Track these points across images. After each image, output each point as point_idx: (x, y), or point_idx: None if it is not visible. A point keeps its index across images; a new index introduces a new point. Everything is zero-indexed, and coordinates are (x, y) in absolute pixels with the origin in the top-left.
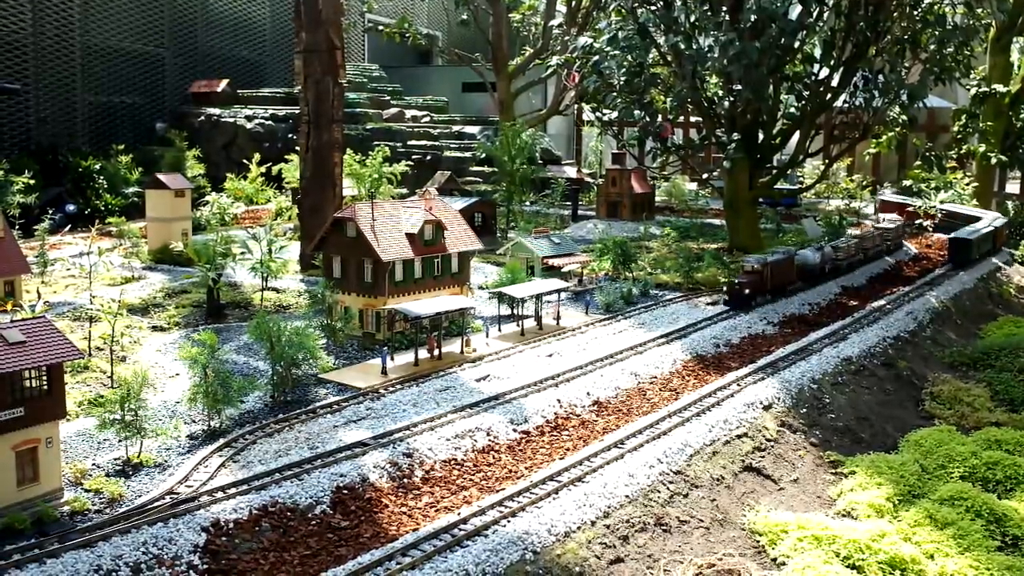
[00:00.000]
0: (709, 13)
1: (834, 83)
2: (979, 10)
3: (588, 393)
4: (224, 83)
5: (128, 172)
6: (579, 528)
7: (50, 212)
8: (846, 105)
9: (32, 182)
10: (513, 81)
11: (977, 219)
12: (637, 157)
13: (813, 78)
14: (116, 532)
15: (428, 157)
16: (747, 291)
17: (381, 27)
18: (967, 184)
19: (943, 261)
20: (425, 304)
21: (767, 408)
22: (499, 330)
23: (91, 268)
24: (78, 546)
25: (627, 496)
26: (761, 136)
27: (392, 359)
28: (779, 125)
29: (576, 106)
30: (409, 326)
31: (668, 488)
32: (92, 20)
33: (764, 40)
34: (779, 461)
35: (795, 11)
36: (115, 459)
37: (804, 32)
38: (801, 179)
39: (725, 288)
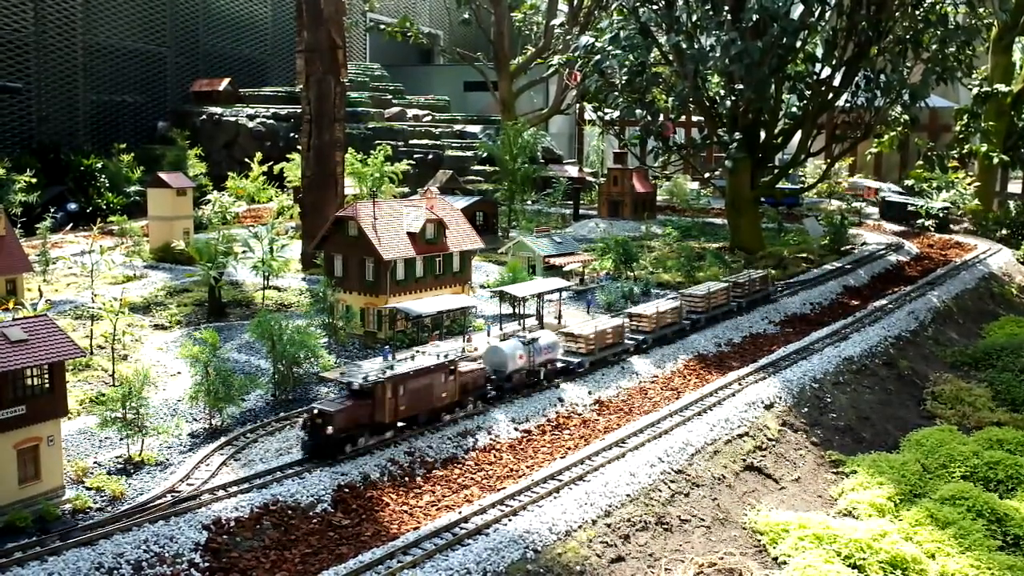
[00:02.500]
0: (711, 12)
1: (836, 82)
2: (981, 10)
3: (589, 392)
4: (226, 82)
5: (130, 171)
6: (580, 527)
7: (52, 211)
8: (848, 105)
9: (34, 181)
10: (515, 80)
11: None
12: (639, 156)
13: (815, 77)
14: (117, 530)
15: (430, 156)
16: (330, 429)
17: (383, 26)
18: (969, 184)
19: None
20: (427, 303)
21: (768, 407)
22: (501, 329)
23: (93, 267)
24: (80, 544)
25: (628, 495)
26: (763, 135)
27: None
28: (781, 124)
29: (578, 105)
30: (411, 325)
31: (669, 487)
32: (94, 19)
33: (766, 39)
34: (780, 460)
35: (797, 10)
36: (116, 457)
37: (806, 31)
38: (803, 179)
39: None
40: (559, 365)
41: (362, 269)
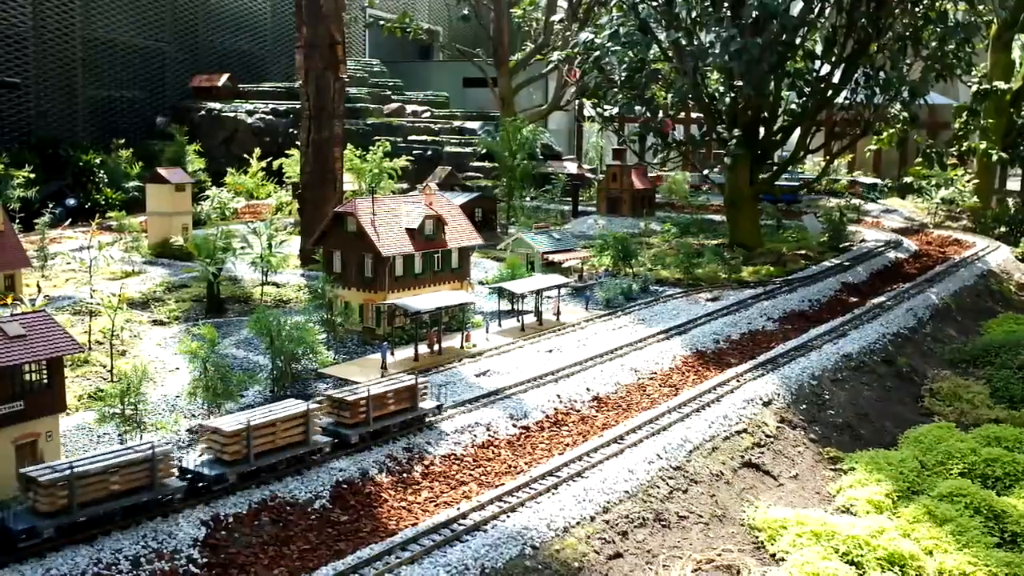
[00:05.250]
0: (710, 9)
1: (835, 80)
2: (980, 7)
3: (588, 389)
4: (225, 77)
5: (129, 166)
6: (578, 523)
7: (50, 206)
8: (847, 102)
9: (33, 176)
10: (514, 76)
11: None
12: (638, 153)
13: (814, 74)
14: (116, 526)
15: (429, 152)
16: None
17: (382, 22)
18: (967, 181)
19: None
20: (425, 299)
21: (767, 404)
22: (499, 325)
23: (91, 262)
24: (78, 540)
25: (626, 492)
26: (762, 132)
27: (392, 354)
28: (780, 121)
29: (577, 102)
30: (409, 321)
31: (667, 484)
32: (93, 14)
33: (765, 36)
34: (778, 457)
35: (797, 7)
36: None
37: (805, 28)
38: (802, 175)
39: None
40: None
41: (361, 265)
